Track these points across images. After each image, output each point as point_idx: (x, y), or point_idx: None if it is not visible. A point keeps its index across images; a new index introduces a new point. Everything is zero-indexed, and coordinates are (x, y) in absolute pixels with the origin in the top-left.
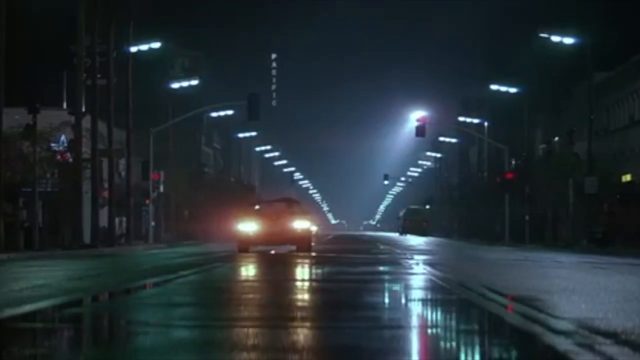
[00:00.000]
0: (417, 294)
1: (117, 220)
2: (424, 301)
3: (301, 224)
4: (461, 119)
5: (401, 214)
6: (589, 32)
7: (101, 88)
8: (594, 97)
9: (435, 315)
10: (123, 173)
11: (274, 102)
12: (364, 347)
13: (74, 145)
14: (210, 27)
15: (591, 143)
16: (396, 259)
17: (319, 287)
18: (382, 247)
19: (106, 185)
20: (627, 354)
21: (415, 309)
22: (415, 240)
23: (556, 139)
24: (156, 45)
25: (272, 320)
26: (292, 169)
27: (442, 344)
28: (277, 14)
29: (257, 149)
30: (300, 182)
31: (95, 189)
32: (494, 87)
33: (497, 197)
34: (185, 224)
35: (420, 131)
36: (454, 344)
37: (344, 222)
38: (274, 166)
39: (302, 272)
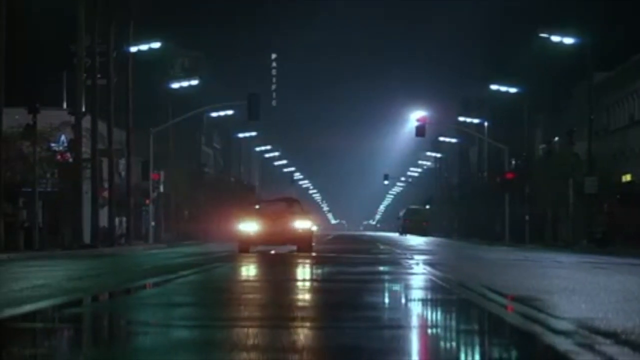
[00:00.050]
0: (417, 294)
1: (117, 220)
2: (424, 301)
3: (302, 224)
4: (461, 119)
5: (401, 214)
6: (589, 32)
7: (101, 88)
8: (594, 97)
9: (435, 315)
10: (123, 173)
11: (274, 102)
12: (364, 347)
13: (74, 145)
14: (210, 27)
15: (591, 143)
16: (396, 259)
17: (319, 287)
18: (382, 247)
19: (106, 185)
20: (627, 354)
21: (415, 309)
22: (415, 240)
23: (556, 139)
24: (156, 45)
25: (272, 320)
26: (292, 169)
27: (442, 344)
28: (277, 14)
29: (257, 149)
30: (300, 182)
31: (95, 189)
32: (494, 87)
33: (497, 197)
34: (185, 224)
35: (420, 131)
36: (454, 344)
37: (344, 222)
38: (274, 166)
39: (302, 272)
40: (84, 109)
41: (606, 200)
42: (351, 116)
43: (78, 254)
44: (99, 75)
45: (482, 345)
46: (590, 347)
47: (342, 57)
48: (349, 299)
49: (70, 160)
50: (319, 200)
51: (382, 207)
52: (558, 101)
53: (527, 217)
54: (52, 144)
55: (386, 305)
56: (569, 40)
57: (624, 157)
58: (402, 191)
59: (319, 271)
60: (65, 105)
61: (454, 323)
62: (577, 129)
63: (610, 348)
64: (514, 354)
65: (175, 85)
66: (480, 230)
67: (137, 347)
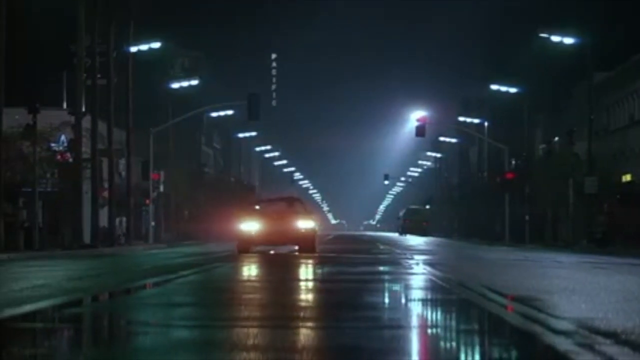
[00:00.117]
0: (417, 294)
1: (117, 220)
2: (424, 301)
3: (305, 224)
4: (461, 119)
5: (401, 214)
6: (589, 32)
7: (101, 88)
8: (594, 97)
9: (435, 315)
10: (123, 173)
11: (274, 102)
12: (364, 347)
13: (74, 145)
14: (210, 27)
15: (591, 143)
16: (396, 259)
17: (319, 287)
18: (382, 247)
19: (106, 185)
20: (628, 354)
21: (415, 309)
22: (415, 240)
23: (556, 139)
24: (156, 45)
25: (272, 320)
26: (292, 169)
27: (442, 344)
28: (277, 14)
29: (257, 149)
30: (300, 182)
31: (95, 189)
32: (494, 87)
33: (497, 197)
34: (185, 224)
35: (420, 131)
36: (454, 344)
37: (344, 222)
38: (274, 166)
39: (302, 272)
40: (84, 109)
41: (606, 200)
42: (351, 116)
43: (78, 254)
44: (99, 75)
45: (482, 345)
46: (590, 347)
47: (342, 57)
48: (349, 299)
49: (70, 160)
50: (319, 200)
51: (382, 207)
52: (558, 101)
53: (527, 217)
54: (52, 144)
55: (386, 305)
56: (569, 40)
57: (624, 157)
58: (402, 191)
59: (319, 271)
60: (65, 105)
61: (454, 323)
62: (577, 129)
63: (610, 348)
64: (514, 354)
65: (175, 85)
66: (480, 230)
67: (137, 347)
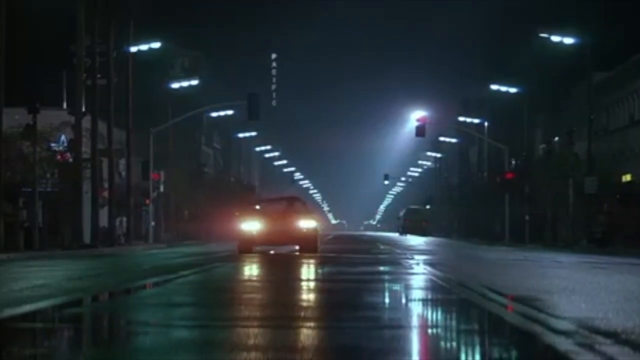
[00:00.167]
0: (417, 293)
1: (117, 220)
2: (424, 301)
3: (307, 223)
4: (461, 119)
5: (401, 214)
6: (589, 32)
7: (101, 88)
8: (594, 97)
9: (435, 315)
10: (123, 173)
11: (273, 102)
12: (364, 347)
13: (74, 145)
14: (210, 27)
15: (591, 143)
16: (396, 259)
17: (319, 287)
18: (382, 247)
19: (106, 185)
20: (628, 354)
21: (416, 308)
22: (415, 240)
23: (556, 139)
24: (156, 45)
25: (272, 320)
26: (292, 169)
27: (442, 343)
28: (277, 14)
29: (257, 149)
30: (301, 182)
31: (95, 189)
32: (494, 87)
33: (497, 197)
34: (185, 224)
35: (420, 131)
36: (454, 343)
37: (344, 222)
38: (274, 166)
39: (302, 272)
40: (84, 109)
41: (606, 200)
42: (351, 116)
43: (78, 254)
44: (98, 75)
45: (482, 345)
46: (590, 347)
47: (342, 57)
48: (349, 299)
49: (70, 160)
50: (319, 201)
51: (382, 207)
52: (558, 101)
53: (527, 217)
54: (52, 144)
55: (386, 305)
56: (568, 40)
57: (624, 157)
58: (402, 191)
59: (319, 271)
60: (65, 105)
61: (454, 323)
62: (577, 129)
63: (610, 348)
64: (514, 353)
65: (175, 85)
66: (480, 230)
67: (137, 347)
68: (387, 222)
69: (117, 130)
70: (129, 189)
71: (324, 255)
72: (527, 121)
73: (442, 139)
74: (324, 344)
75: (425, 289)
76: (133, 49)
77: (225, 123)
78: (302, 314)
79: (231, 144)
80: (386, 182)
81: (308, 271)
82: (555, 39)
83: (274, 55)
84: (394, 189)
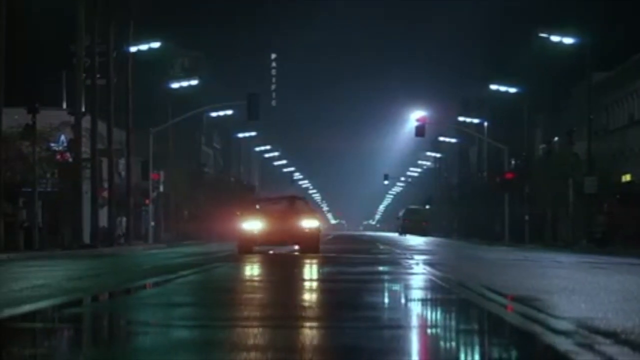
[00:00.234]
0: (416, 294)
1: (116, 220)
2: (424, 301)
3: (309, 223)
4: (461, 119)
5: (401, 214)
6: (589, 32)
7: (101, 88)
8: (594, 97)
9: (435, 315)
10: (123, 173)
11: (273, 102)
12: (363, 347)
13: (73, 145)
14: (210, 27)
15: (591, 143)
16: (396, 259)
17: (318, 287)
18: (381, 247)
19: (106, 185)
20: (627, 354)
21: (415, 308)
22: (414, 240)
23: (556, 138)
24: (156, 45)
25: (271, 320)
26: (292, 169)
27: (442, 343)
28: (277, 14)
29: (257, 149)
30: (300, 182)
31: (95, 189)
32: (493, 87)
33: (497, 197)
34: (185, 224)
35: (420, 131)
36: (453, 343)
37: (343, 222)
38: (274, 166)
39: (302, 272)
40: (83, 109)
41: (606, 200)
42: (351, 116)
43: (78, 254)
44: (98, 75)
45: (482, 345)
46: (590, 347)
47: (342, 57)
48: (349, 299)
49: (70, 160)
50: (318, 200)
51: (381, 207)
52: (558, 101)
53: (526, 217)
54: (52, 144)
55: (386, 305)
56: (568, 40)
57: (624, 157)
58: (402, 191)
59: (319, 271)
60: (64, 105)
61: (453, 323)
62: (576, 128)
63: (610, 348)
64: (513, 353)
65: (175, 85)
66: (479, 230)
67: (137, 347)
68: (387, 222)
69: (117, 130)
70: (128, 189)
71: (324, 255)
72: (527, 121)
73: (441, 139)
74: (324, 344)
75: (425, 289)
76: (133, 49)
77: (225, 123)
78: (302, 313)
79: (231, 144)
80: (386, 182)
81: (308, 271)
82: (555, 39)
83: (273, 55)
84: (393, 189)
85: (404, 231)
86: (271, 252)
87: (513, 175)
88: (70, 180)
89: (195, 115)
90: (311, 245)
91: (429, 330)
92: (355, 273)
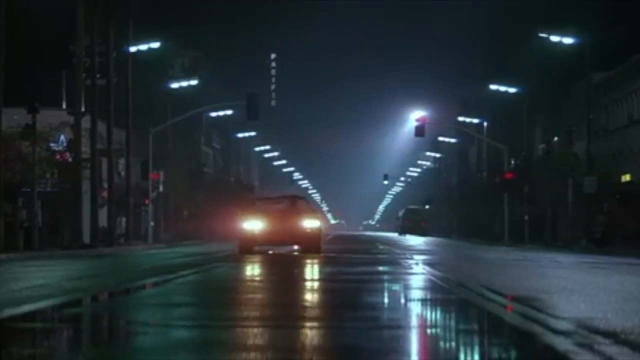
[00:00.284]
0: (416, 294)
1: (116, 220)
2: (423, 301)
3: (311, 223)
4: (460, 119)
5: (400, 214)
6: (589, 32)
7: (100, 88)
8: (593, 97)
9: (434, 315)
10: (122, 173)
11: (273, 102)
12: (363, 347)
13: (73, 145)
14: (210, 27)
15: (590, 143)
16: (395, 259)
17: (318, 286)
18: (381, 247)
19: (105, 185)
20: (627, 354)
21: (415, 308)
22: (414, 240)
23: (555, 138)
24: (156, 45)
25: (271, 320)
26: (292, 169)
27: (441, 343)
28: (277, 14)
29: (257, 148)
30: (300, 182)
31: (95, 189)
32: (493, 87)
33: (496, 197)
34: (185, 224)
35: (419, 131)
36: (453, 343)
37: (343, 222)
38: (274, 166)
39: (302, 272)
40: (83, 109)
41: (605, 200)
42: (351, 116)
43: (77, 254)
44: (98, 75)
45: (481, 345)
46: (589, 347)
47: (342, 57)
48: (348, 299)
49: (70, 160)
50: (318, 200)
51: (381, 207)
52: (557, 101)
53: (526, 217)
54: (52, 144)
55: (385, 305)
56: (567, 41)
57: (623, 157)
58: (401, 191)
59: (319, 271)
60: (64, 105)
61: (453, 323)
62: (576, 128)
63: (609, 348)
64: (513, 353)
65: (174, 85)
66: (479, 230)
67: (137, 347)
68: (386, 222)
69: (117, 130)
70: (128, 189)
71: (324, 255)
72: (526, 121)
73: (441, 139)
74: (324, 343)
75: (425, 289)
76: (132, 49)
77: (225, 123)
78: (302, 313)
79: (230, 143)
80: (385, 182)
81: (307, 271)
82: (554, 39)
83: (273, 55)
84: (393, 189)
85: (403, 231)
86: (270, 252)
87: (513, 175)
88: (70, 180)
89: (195, 115)
90: (313, 245)
91: (428, 331)
92: (355, 273)
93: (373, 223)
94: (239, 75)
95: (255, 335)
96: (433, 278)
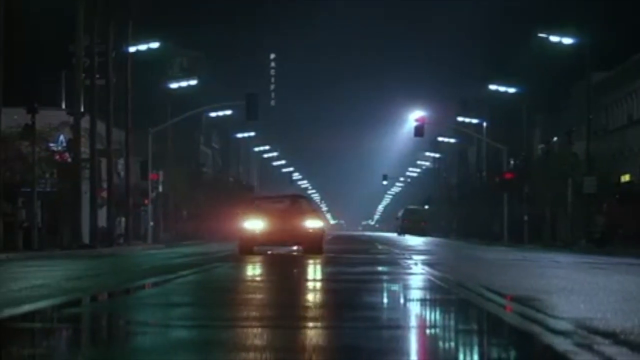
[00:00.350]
0: (415, 294)
1: (116, 220)
2: (423, 301)
3: (313, 223)
4: (460, 119)
5: (400, 214)
6: (588, 32)
7: (100, 88)
8: (593, 97)
9: (433, 315)
10: (122, 173)
11: (272, 102)
12: (363, 347)
13: (72, 145)
14: (210, 27)
15: (590, 143)
16: (395, 259)
17: (318, 287)
18: (380, 247)
19: (105, 185)
20: (626, 354)
21: (414, 309)
22: (413, 241)
23: (555, 138)
24: (155, 45)
25: (270, 320)
26: (291, 169)
27: (440, 344)
28: (277, 14)
29: (256, 149)
30: (299, 182)
31: (94, 189)
32: (492, 87)
33: (496, 197)
34: (184, 224)
35: (419, 131)
36: (452, 344)
37: (342, 222)
38: (273, 166)
39: (302, 272)
40: (82, 109)
41: (605, 200)
42: (350, 116)
43: (77, 254)
44: (97, 75)
45: (480, 345)
46: (589, 347)
47: (342, 57)
48: (348, 299)
49: (69, 160)
50: (317, 200)
51: (380, 207)
52: (557, 101)
53: (525, 217)
54: (51, 144)
55: (385, 306)
56: (567, 41)
57: (623, 157)
58: (401, 191)
59: (318, 271)
60: (64, 105)
61: (452, 323)
62: (576, 128)
63: (609, 348)
64: (512, 354)
65: (174, 85)
66: (478, 230)
67: (136, 347)
68: (386, 223)
69: (116, 130)
70: (127, 189)
71: (324, 256)
72: (526, 121)
73: (440, 139)
74: (323, 343)
75: (424, 289)
76: (132, 49)
77: (224, 123)
78: (301, 313)
79: (230, 144)
80: (385, 183)
81: (307, 271)
82: (554, 39)
83: (273, 55)
84: (392, 189)
85: (402, 231)
86: (269, 252)
87: (512, 175)
88: (69, 181)
89: (194, 115)
90: (315, 246)
91: (428, 331)
92: (354, 273)
93: (372, 223)
94: (239, 75)
95: (254, 335)
96: (432, 278)
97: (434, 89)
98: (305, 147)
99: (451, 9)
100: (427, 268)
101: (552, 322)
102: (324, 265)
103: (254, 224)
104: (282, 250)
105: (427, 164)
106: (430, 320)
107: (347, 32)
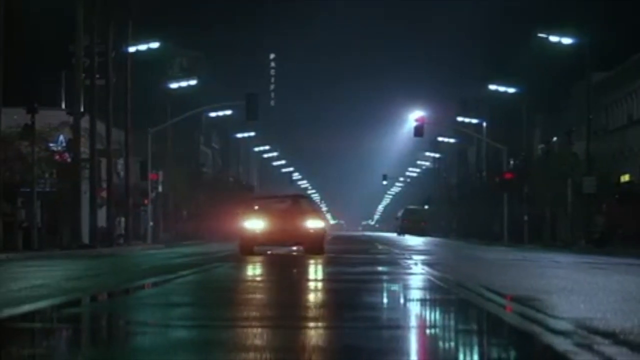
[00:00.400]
0: (415, 294)
1: (115, 220)
2: (423, 301)
3: (314, 223)
4: (460, 119)
5: (399, 214)
6: (588, 32)
7: (100, 88)
8: (593, 97)
9: (433, 315)
10: (122, 173)
11: (272, 102)
12: (363, 347)
13: (72, 145)
14: (210, 27)
15: (590, 143)
16: (395, 259)
17: (318, 287)
18: (380, 247)
19: (105, 185)
20: (626, 354)
21: (414, 309)
22: (413, 241)
23: (555, 138)
24: (155, 45)
25: (270, 320)
26: (291, 169)
27: (440, 344)
28: (277, 14)
29: (256, 149)
30: (299, 182)
31: (94, 189)
32: (492, 87)
33: (496, 197)
34: (184, 224)
35: (418, 131)
36: (452, 344)
37: (342, 222)
38: (273, 166)
39: (302, 272)
40: (82, 109)
41: (605, 200)
42: (350, 116)
43: (76, 254)
44: (97, 75)
45: (480, 345)
46: (588, 347)
47: (342, 57)
48: (348, 299)
49: (69, 160)
50: (317, 200)
51: (380, 207)
52: (557, 101)
53: (525, 217)
54: (51, 144)
55: (385, 306)
56: (567, 41)
57: (623, 157)
58: (400, 191)
59: (319, 271)
60: (63, 105)
61: (452, 323)
62: (576, 128)
63: (608, 348)
64: (512, 354)
65: (173, 85)
66: (478, 230)
67: (136, 347)
68: (386, 223)
69: (116, 130)
70: (127, 189)
71: (324, 256)
72: (526, 121)
73: (440, 139)
74: (323, 344)
75: (424, 289)
76: (132, 49)
77: (224, 123)
78: (301, 314)
79: (230, 144)
80: (385, 183)
81: (307, 271)
82: (554, 39)
83: (272, 55)
84: (392, 189)
85: (402, 231)
86: (269, 252)
87: (512, 175)
88: (69, 181)
89: (194, 115)
90: (316, 246)
91: (427, 331)
92: (354, 273)
93: (372, 223)
94: (239, 75)
95: (255, 335)
96: (432, 278)
97: (434, 89)
98: (305, 147)
99: (451, 9)
100: (426, 268)
101: (552, 322)
102: (324, 265)
103: (255, 224)
104: (283, 250)
105: (427, 164)
106: (430, 320)
107: (347, 32)
